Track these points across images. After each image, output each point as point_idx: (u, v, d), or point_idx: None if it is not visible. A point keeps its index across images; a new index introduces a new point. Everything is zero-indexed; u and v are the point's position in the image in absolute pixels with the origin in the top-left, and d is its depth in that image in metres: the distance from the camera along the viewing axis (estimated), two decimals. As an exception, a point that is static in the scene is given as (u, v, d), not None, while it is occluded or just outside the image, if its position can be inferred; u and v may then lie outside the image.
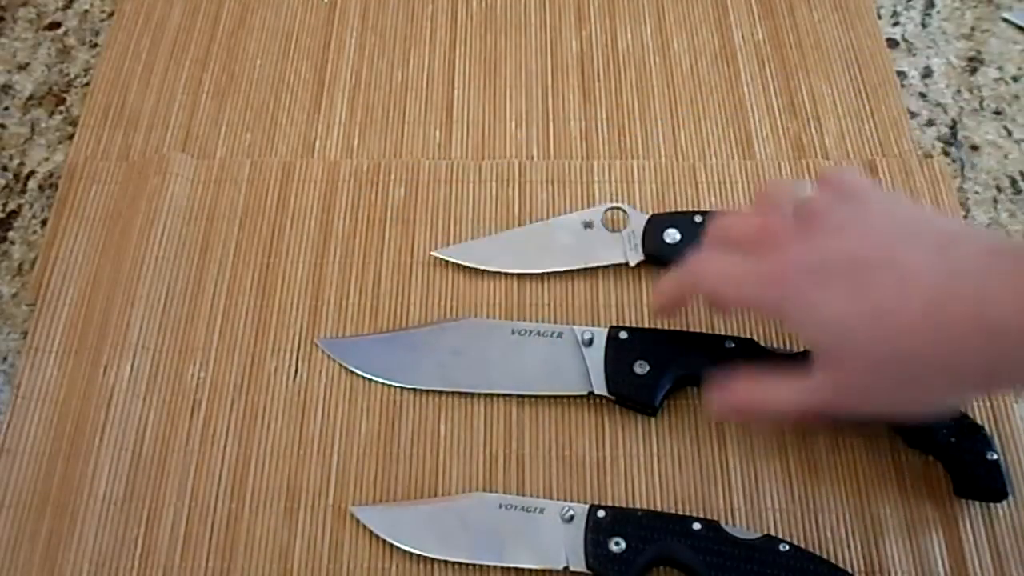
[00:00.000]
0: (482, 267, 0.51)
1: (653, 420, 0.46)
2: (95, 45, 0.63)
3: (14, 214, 0.56)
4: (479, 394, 0.47)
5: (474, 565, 0.43)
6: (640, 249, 0.50)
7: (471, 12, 0.63)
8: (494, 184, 0.55)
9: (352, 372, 0.48)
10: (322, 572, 0.43)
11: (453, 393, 0.48)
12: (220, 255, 0.52)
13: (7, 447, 0.46)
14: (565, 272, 0.51)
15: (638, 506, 0.44)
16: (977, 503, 0.44)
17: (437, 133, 0.58)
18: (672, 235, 0.50)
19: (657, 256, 0.50)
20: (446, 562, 0.43)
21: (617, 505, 0.44)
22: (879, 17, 0.63)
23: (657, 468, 0.45)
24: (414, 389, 0.48)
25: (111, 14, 0.64)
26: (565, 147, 0.57)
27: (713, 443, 0.46)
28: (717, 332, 0.48)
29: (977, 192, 0.55)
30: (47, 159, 0.58)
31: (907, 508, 0.44)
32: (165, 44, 0.62)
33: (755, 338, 0.47)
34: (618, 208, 0.52)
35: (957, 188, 0.55)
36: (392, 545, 0.43)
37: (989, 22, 0.63)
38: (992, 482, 0.42)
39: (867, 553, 0.43)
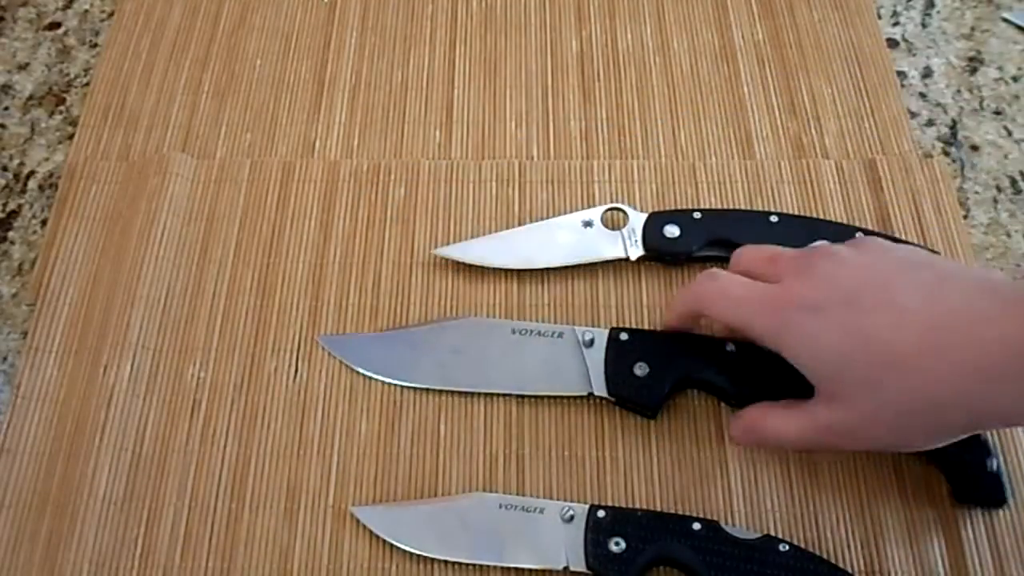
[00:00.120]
0: (482, 264, 0.51)
1: (653, 420, 0.46)
2: (95, 45, 0.63)
3: (14, 214, 0.56)
4: (479, 394, 0.47)
5: (474, 565, 0.43)
6: (640, 244, 0.50)
7: (471, 12, 0.63)
8: (494, 184, 0.55)
9: (352, 371, 0.48)
10: (322, 572, 0.43)
11: (453, 393, 0.48)
12: (220, 255, 0.52)
13: (7, 447, 0.46)
14: (565, 268, 0.51)
15: (638, 506, 0.44)
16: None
17: (437, 133, 0.58)
18: (671, 231, 0.50)
19: (657, 251, 0.50)
20: (446, 562, 0.43)
21: (617, 505, 0.44)
22: (879, 17, 0.63)
23: (657, 468, 0.45)
24: (414, 388, 0.48)
25: (111, 14, 0.64)
26: (565, 147, 0.57)
27: (713, 444, 0.46)
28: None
29: (977, 192, 0.55)
30: (47, 159, 0.58)
31: (907, 508, 0.44)
32: (165, 44, 0.62)
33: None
34: (617, 209, 0.52)
35: (957, 188, 0.55)
36: (392, 545, 0.43)
37: (989, 22, 0.63)
38: (993, 491, 0.43)
39: (867, 553, 0.43)
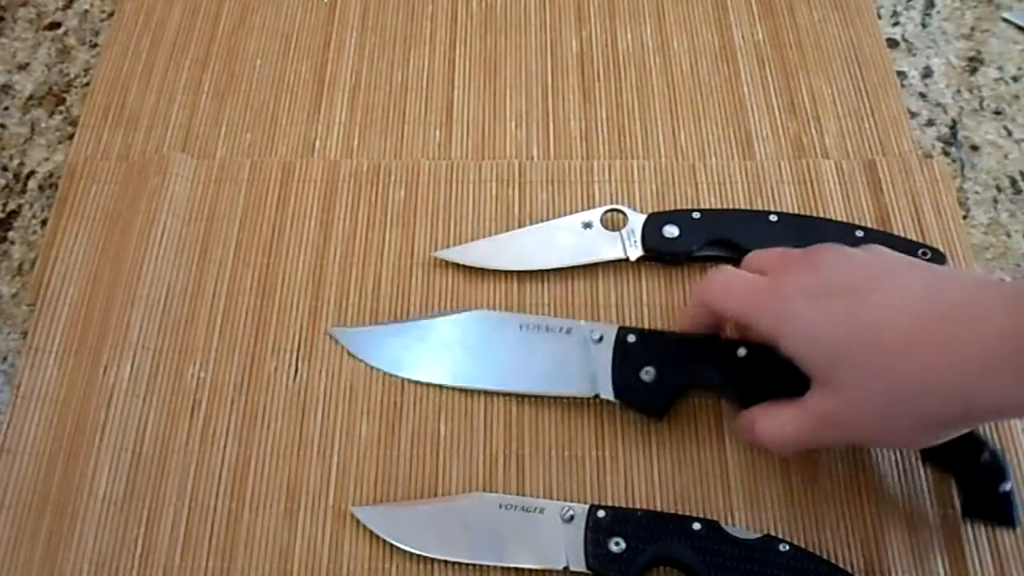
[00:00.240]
0: (482, 265, 0.51)
1: (653, 420, 0.46)
2: (95, 45, 0.63)
3: (14, 214, 0.56)
4: (479, 393, 0.47)
5: (474, 565, 0.43)
6: (640, 245, 0.50)
7: (471, 12, 0.63)
8: (494, 184, 0.55)
9: (352, 371, 0.48)
10: (322, 572, 0.43)
11: (454, 391, 0.48)
12: (220, 255, 0.52)
13: (7, 447, 0.46)
14: (565, 269, 0.51)
15: (638, 506, 0.44)
16: (977, 503, 0.44)
17: (437, 133, 0.58)
18: (671, 231, 0.50)
19: (657, 251, 0.50)
20: (446, 562, 0.43)
21: (617, 505, 0.44)
22: (879, 17, 0.63)
23: (657, 468, 0.45)
24: (415, 384, 0.48)
25: (111, 14, 0.64)
26: (565, 147, 0.57)
27: (713, 443, 0.46)
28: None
29: (977, 192, 0.55)
30: (47, 159, 0.58)
31: (907, 508, 0.44)
32: (165, 44, 0.62)
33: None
34: (617, 210, 0.52)
35: (957, 188, 0.55)
36: (392, 545, 0.43)
37: (989, 22, 0.63)
38: (1003, 512, 0.41)
39: (867, 553, 0.43)
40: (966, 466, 0.42)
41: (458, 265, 0.51)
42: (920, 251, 0.49)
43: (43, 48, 0.63)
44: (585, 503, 0.44)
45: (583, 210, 0.53)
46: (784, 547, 0.41)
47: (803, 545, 0.43)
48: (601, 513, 0.42)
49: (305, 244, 0.53)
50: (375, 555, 0.43)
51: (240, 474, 0.46)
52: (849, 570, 0.42)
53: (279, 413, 0.47)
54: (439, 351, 0.48)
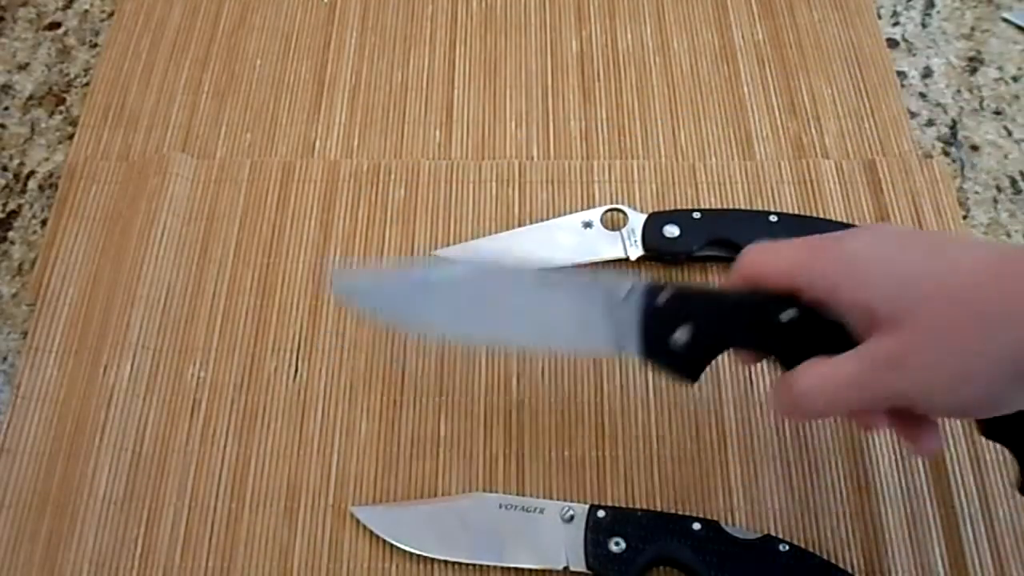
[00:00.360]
0: (482, 267, 0.51)
1: (653, 419, 0.46)
2: (95, 45, 0.63)
3: (14, 214, 0.56)
4: (479, 395, 0.48)
5: (474, 565, 0.43)
6: (640, 245, 0.50)
7: (471, 12, 0.63)
8: (494, 184, 0.55)
9: (352, 371, 0.48)
10: (322, 572, 0.43)
11: (453, 393, 0.48)
12: (220, 255, 0.52)
13: (7, 447, 0.46)
14: (565, 269, 0.51)
15: (638, 506, 0.44)
16: (977, 502, 0.44)
17: (437, 133, 0.58)
18: (671, 231, 0.50)
19: (657, 251, 0.50)
20: (446, 562, 0.43)
21: (617, 505, 0.44)
22: (879, 17, 0.63)
23: (657, 468, 0.45)
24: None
25: (111, 14, 0.64)
26: (565, 147, 0.57)
27: (713, 443, 0.46)
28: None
29: (977, 192, 0.55)
30: (47, 159, 0.58)
31: (907, 508, 0.44)
32: (165, 44, 0.62)
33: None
34: (617, 210, 0.52)
35: (957, 188, 0.55)
36: (392, 545, 0.43)
37: (989, 22, 0.63)
38: None
39: (867, 553, 0.43)
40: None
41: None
42: None
43: (43, 48, 0.63)
44: (585, 503, 0.44)
45: (583, 210, 0.53)
46: (784, 547, 0.41)
47: (803, 545, 0.43)
48: (601, 513, 0.42)
49: (305, 244, 0.53)
50: (375, 555, 0.43)
51: (240, 474, 0.46)
52: (849, 570, 0.42)
53: (279, 413, 0.47)
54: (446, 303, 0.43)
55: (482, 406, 0.47)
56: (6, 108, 0.60)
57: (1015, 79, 0.60)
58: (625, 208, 0.52)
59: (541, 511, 0.43)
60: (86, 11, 0.65)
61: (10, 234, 0.55)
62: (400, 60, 0.61)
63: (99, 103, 0.59)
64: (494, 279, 0.42)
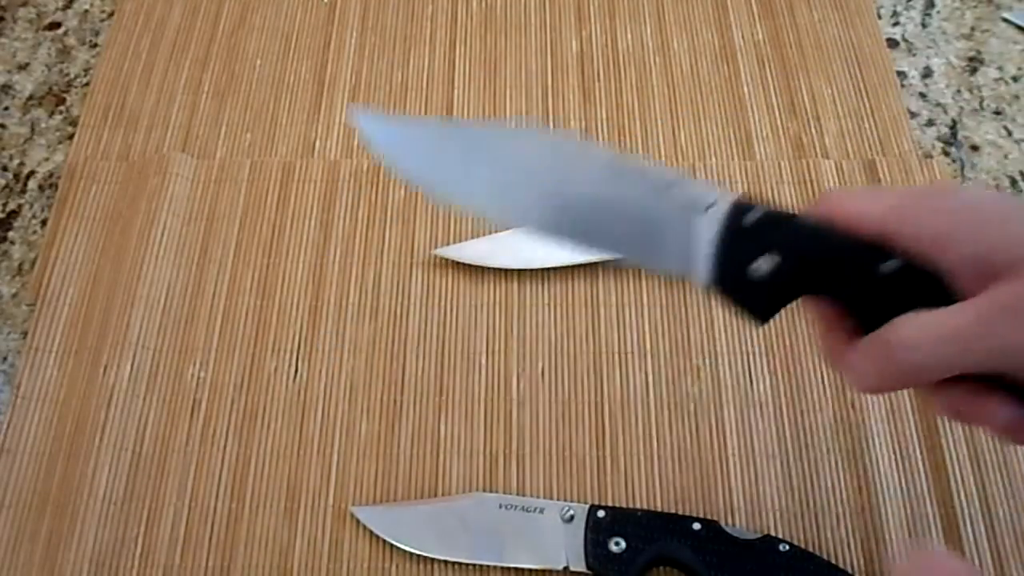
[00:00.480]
0: (482, 264, 0.51)
1: (653, 419, 0.46)
2: (95, 45, 0.63)
3: (14, 214, 0.56)
4: (479, 395, 0.48)
5: (474, 565, 0.43)
6: (640, 248, 0.50)
7: (471, 12, 0.63)
8: (494, 184, 0.55)
9: (353, 370, 0.48)
10: (322, 572, 0.43)
11: (453, 392, 0.48)
12: (220, 255, 0.52)
13: (7, 447, 0.46)
14: (565, 268, 0.51)
15: (638, 506, 0.44)
16: (977, 502, 0.44)
17: (437, 133, 0.58)
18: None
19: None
20: (446, 562, 0.43)
21: (617, 505, 0.44)
22: (879, 17, 0.63)
23: (657, 468, 0.45)
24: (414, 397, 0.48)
25: (111, 14, 0.64)
26: (565, 147, 0.57)
27: (713, 443, 0.46)
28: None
29: (977, 192, 0.55)
30: (47, 159, 0.58)
31: (907, 508, 0.44)
32: (165, 44, 0.62)
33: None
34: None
35: (957, 188, 0.55)
36: (392, 545, 0.43)
37: (989, 22, 0.63)
38: None
39: (867, 553, 0.43)
40: None
41: (458, 263, 0.51)
42: None
43: (43, 48, 0.63)
44: (585, 503, 0.44)
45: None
46: (784, 547, 0.41)
47: (803, 545, 0.43)
48: (601, 513, 0.42)
49: (305, 244, 0.53)
50: (375, 555, 0.43)
51: (240, 474, 0.46)
52: (849, 570, 0.42)
53: (279, 413, 0.47)
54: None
55: (482, 406, 0.47)
56: (6, 108, 0.60)
57: (1015, 79, 0.60)
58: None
59: (541, 511, 0.43)
60: (86, 11, 0.65)
61: (10, 234, 0.55)
62: (400, 60, 0.61)
63: (99, 103, 0.59)
64: (557, 151, 0.35)
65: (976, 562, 0.43)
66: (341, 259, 0.52)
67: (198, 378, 0.48)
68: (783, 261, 0.32)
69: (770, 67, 0.60)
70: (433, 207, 0.54)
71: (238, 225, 0.53)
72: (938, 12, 0.64)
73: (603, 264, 0.51)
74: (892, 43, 0.62)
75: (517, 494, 0.45)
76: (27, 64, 0.62)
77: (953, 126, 0.58)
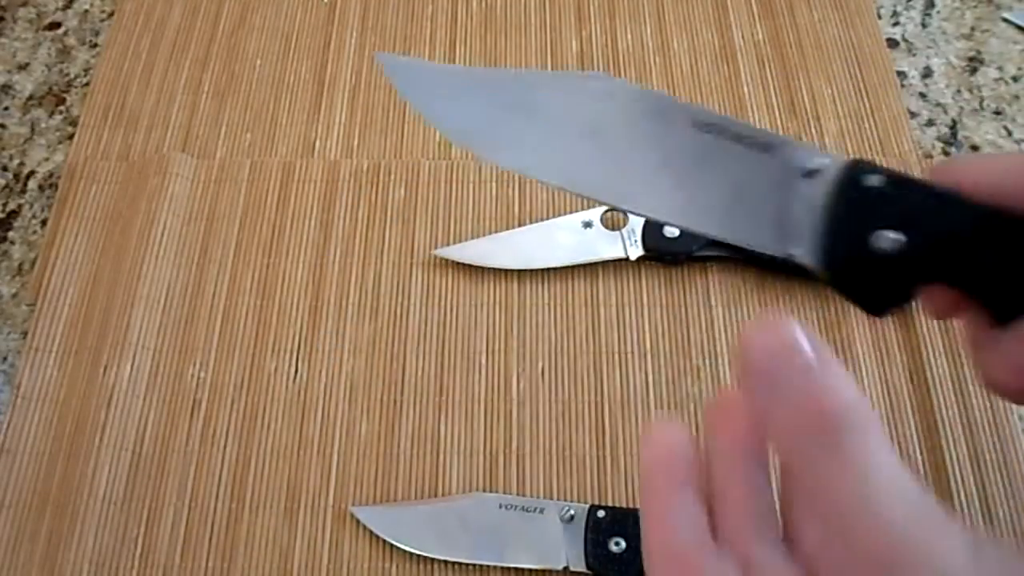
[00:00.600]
0: (482, 264, 0.51)
1: (653, 418, 0.46)
2: (95, 45, 0.63)
3: (14, 214, 0.56)
4: (478, 396, 0.48)
5: (474, 565, 0.43)
6: (640, 244, 0.50)
7: (471, 12, 0.63)
8: (494, 184, 0.55)
9: (353, 370, 0.48)
10: (322, 572, 0.43)
11: (453, 393, 0.48)
12: (220, 255, 0.52)
13: (7, 447, 0.46)
14: (565, 268, 0.51)
15: (638, 506, 0.44)
16: (977, 502, 0.44)
17: (437, 133, 0.58)
18: (671, 230, 0.50)
19: (657, 251, 0.50)
20: (446, 562, 0.43)
21: (617, 505, 0.44)
22: (879, 17, 0.63)
23: (657, 468, 0.45)
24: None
25: (111, 14, 0.64)
26: (565, 147, 0.57)
27: (713, 443, 0.46)
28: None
29: (977, 192, 0.55)
30: (47, 159, 0.58)
31: (907, 508, 0.44)
32: (165, 44, 0.62)
33: None
34: (617, 209, 0.52)
35: (957, 188, 0.55)
36: (392, 545, 0.43)
37: (989, 22, 0.63)
38: None
39: (867, 553, 0.43)
40: None
41: (458, 264, 0.51)
42: None
43: (43, 48, 0.63)
44: (585, 503, 0.44)
45: (583, 210, 0.53)
46: (784, 547, 0.41)
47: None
48: (601, 513, 0.42)
49: (305, 244, 0.53)
50: (375, 555, 0.43)
51: (240, 474, 0.46)
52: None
53: (279, 413, 0.47)
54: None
55: (482, 406, 0.47)
56: (6, 108, 0.60)
57: (1015, 79, 0.60)
58: (625, 208, 0.52)
59: (541, 511, 0.43)
60: (86, 11, 0.65)
61: (10, 234, 0.55)
62: (400, 60, 0.61)
63: (99, 103, 0.59)
64: (629, 103, 0.29)
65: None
66: (341, 259, 0.52)
67: (198, 378, 0.48)
68: (910, 238, 0.26)
69: (770, 67, 0.60)
70: (433, 208, 0.54)
71: (238, 225, 0.53)
72: (938, 12, 0.64)
73: (603, 264, 0.51)
74: (892, 43, 0.62)
75: (517, 494, 0.45)
76: (27, 64, 0.62)
77: (953, 126, 0.58)
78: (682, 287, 0.51)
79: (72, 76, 0.62)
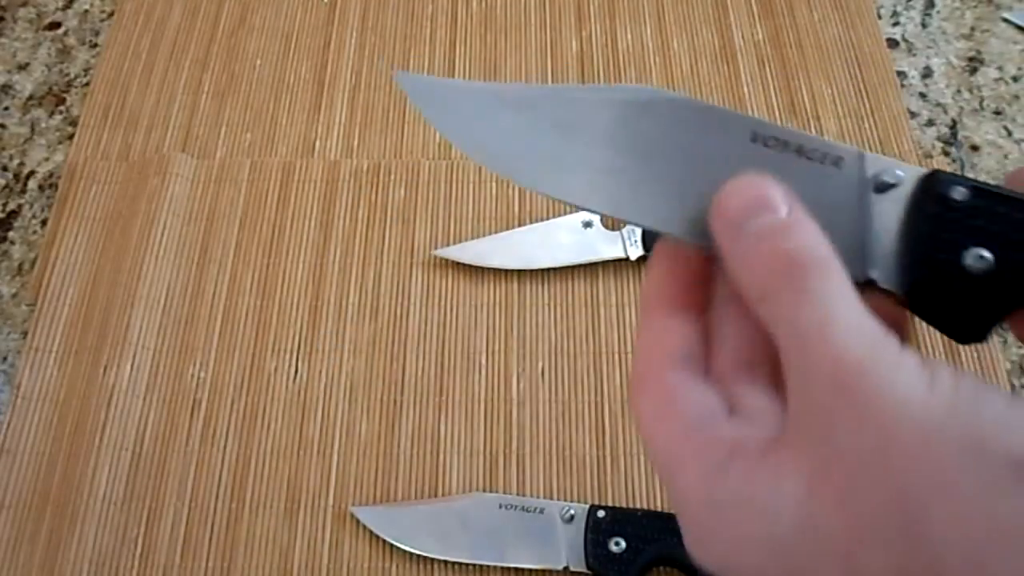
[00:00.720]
0: (482, 264, 0.51)
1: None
2: (95, 45, 0.63)
3: (14, 214, 0.56)
4: (478, 395, 0.48)
5: (474, 565, 0.43)
6: (640, 244, 0.50)
7: (471, 12, 0.63)
8: (494, 184, 0.55)
9: (353, 370, 0.48)
10: (322, 572, 0.43)
11: (453, 393, 0.48)
12: (220, 255, 0.52)
13: (7, 447, 0.46)
14: (565, 268, 0.51)
15: (638, 506, 0.44)
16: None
17: (437, 133, 0.58)
18: (672, 234, 0.50)
19: (657, 254, 0.50)
20: (446, 562, 0.43)
21: (617, 505, 0.44)
22: (879, 17, 0.63)
23: (657, 468, 0.45)
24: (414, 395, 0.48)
25: (111, 14, 0.64)
26: (565, 147, 0.57)
27: (713, 443, 0.46)
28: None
29: (977, 192, 0.55)
30: (47, 159, 0.58)
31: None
32: (165, 44, 0.62)
33: None
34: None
35: (957, 188, 0.55)
36: (392, 545, 0.43)
37: (989, 22, 0.63)
38: None
39: (867, 553, 0.43)
40: None
41: (458, 264, 0.51)
42: None
43: (43, 48, 0.63)
44: (585, 503, 0.44)
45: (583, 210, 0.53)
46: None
47: (803, 545, 0.43)
48: (601, 513, 0.42)
49: (305, 244, 0.53)
50: (375, 555, 0.43)
51: (240, 474, 0.46)
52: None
53: (279, 413, 0.47)
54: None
55: (482, 406, 0.47)
56: (6, 108, 0.60)
57: (1015, 79, 0.60)
58: (625, 208, 0.52)
59: (541, 511, 0.43)
60: (86, 11, 0.65)
61: (10, 234, 0.55)
62: (400, 60, 0.61)
63: (99, 103, 0.59)
64: (680, 118, 0.25)
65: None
66: (341, 259, 0.52)
67: (198, 378, 0.48)
68: (1000, 258, 0.24)
69: (770, 67, 0.60)
70: (433, 208, 0.54)
71: (238, 225, 0.53)
72: (938, 12, 0.64)
73: (603, 264, 0.51)
74: (892, 43, 0.62)
75: (517, 494, 0.45)
76: (27, 64, 0.62)
77: (953, 126, 0.58)
78: (682, 287, 0.51)
79: (72, 76, 0.62)
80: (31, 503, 0.45)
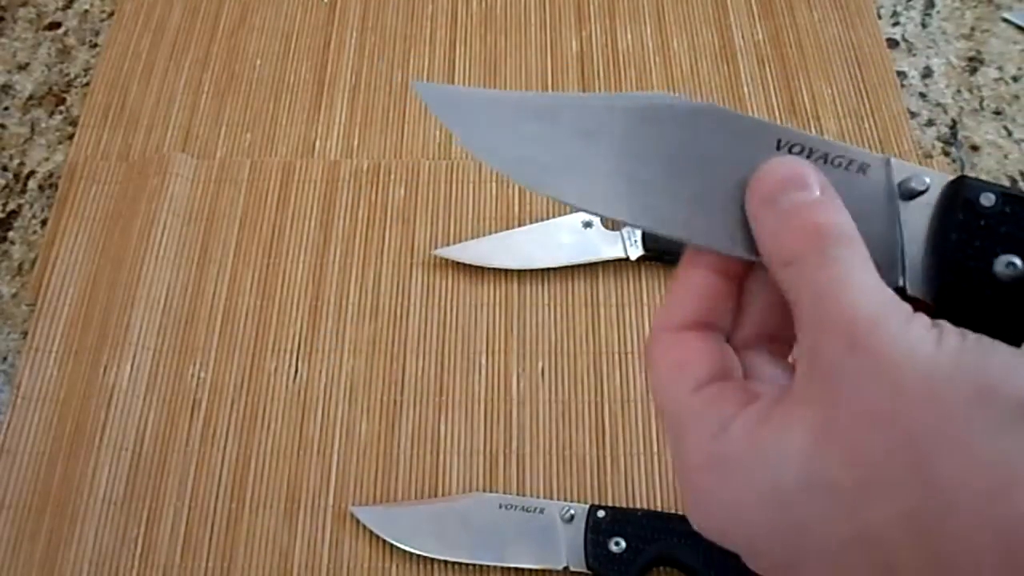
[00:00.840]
0: (482, 264, 0.51)
1: (653, 419, 0.46)
2: (95, 45, 0.63)
3: (14, 214, 0.56)
4: (478, 394, 0.47)
5: (474, 565, 0.43)
6: (640, 244, 0.50)
7: (471, 12, 0.63)
8: (494, 184, 0.55)
9: (353, 370, 0.48)
10: (322, 572, 0.43)
11: (453, 393, 0.48)
12: (220, 255, 0.52)
13: (7, 447, 0.46)
14: (565, 268, 0.51)
15: (638, 506, 0.44)
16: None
17: (437, 133, 0.58)
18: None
19: (657, 250, 0.50)
20: (446, 562, 0.43)
21: (617, 505, 0.44)
22: (879, 17, 0.63)
23: (657, 468, 0.45)
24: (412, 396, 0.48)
25: (111, 14, 0.64)
26: (565, 147, 0.57)
27: (713, 443, 0.46)
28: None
29: (977, 192, 0.55)
30: (47, 159, 0.58)
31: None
32: (165, 44, 0.62)
33: None
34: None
35: (957, 188, 0.55)
36: (392, 545, 0.43)
37: (989, 22, 0.63)
38: None
39: (867, 553, 0.43)
40: None
41: (458, 264, 0.51)
42: None
43: (43, 48, 0.63)
44: (585, 503, 0.44)
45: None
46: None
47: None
48: (601, 513, 0.42)
49: (305, 244, 0.53)
50: (375, 555, 0.43)
51: (240, 474, 0.46)
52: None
53: (279, 413, 0.47)
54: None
55: (482, 406, 0.47)
56: (6, 108, 0.60)
57: (1015, 79, 0.60)
58: (625, 208, 0.52)
59: (541, 511, 0.43)
60: (86, 11, 0.65)
61: (10, 234, 0.55)
62: (400, 60, 0.61)
63: (99, 103, 0.59)
64: (701, 126, 0.25)
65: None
66: (341, 259, 0.52)
67: (198, 378, 0.48)
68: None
69: (770, 67, 0.60)
70: (433, 208, 0.54)
71: (238, 225, 0.53)
72: (938, 12, 0.64)
73: (603, 264, 0.51)
74: (892, 43, 0.62)
75: (517, 494, 0.45)
76: (27, 64, 0.62)
77: (953, 126, 0.58)
78: (682, 287, 0.51)
79: (72, 76, 0.62)
80: (31, 503, 0.45)
